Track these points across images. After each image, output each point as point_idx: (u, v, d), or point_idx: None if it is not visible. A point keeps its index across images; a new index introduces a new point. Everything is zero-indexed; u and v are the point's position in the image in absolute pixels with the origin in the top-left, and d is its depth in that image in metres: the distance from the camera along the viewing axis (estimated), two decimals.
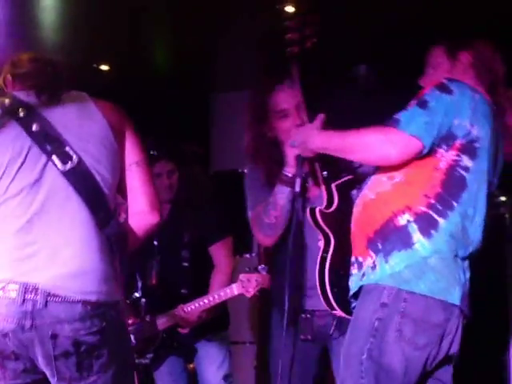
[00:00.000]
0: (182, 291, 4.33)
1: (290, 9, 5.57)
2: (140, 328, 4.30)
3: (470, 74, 2.94)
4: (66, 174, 2.70)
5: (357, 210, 2.91)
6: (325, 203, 3.03)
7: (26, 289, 2.63)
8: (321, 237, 2.99)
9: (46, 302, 2.62)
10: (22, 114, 2.72)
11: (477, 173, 2.80)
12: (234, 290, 4.18)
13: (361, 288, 2.82)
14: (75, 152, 2.72)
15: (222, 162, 7.17)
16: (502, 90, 2.95)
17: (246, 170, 3.57)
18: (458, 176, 2.78)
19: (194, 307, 4.19)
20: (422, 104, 2.77)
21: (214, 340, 4.50)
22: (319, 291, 2.93)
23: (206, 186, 4.81)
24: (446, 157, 2.77)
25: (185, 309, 4.19)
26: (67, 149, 2.72)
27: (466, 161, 2.78)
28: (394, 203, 2.80)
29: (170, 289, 4.37)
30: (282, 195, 3.23)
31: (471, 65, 2.96)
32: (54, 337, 2.63)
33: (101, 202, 2.76)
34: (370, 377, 2.70)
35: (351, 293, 2.86)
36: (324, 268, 2.93)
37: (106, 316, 2.70)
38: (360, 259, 2.84)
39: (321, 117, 3.08)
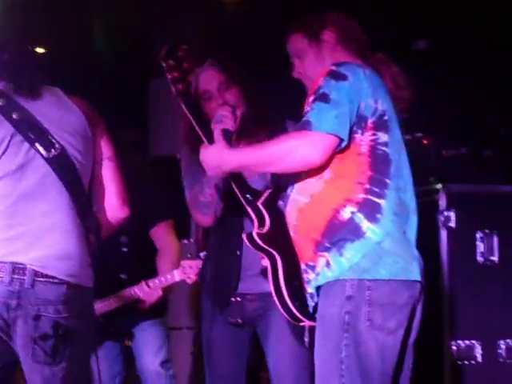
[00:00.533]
0: (122, 276, 4.31)
1: None
2: None
3: (338, 50, 2.94)
4: (50, 161, 2.77)
5: (293, 217, 2.86)
6: (256, 224, 2.97)
7: (13, 268, 2.68)
8: (266, 259, 2.92)
9: (33, 281, 2.68)
10: (1, 103, 2.77)
11: (394, 143, 2.80)
12: (176, 276, 4.16)
13: (319, 288, 2.80)
14: (57, 141, 2.79)
15: (160, 148, 7.13)
16: (370, 55, 2.96)
17: (181, 153, 3.58)
18: (381, 154, 2.78)
19: (157, 282, 4.16)
20: (324, 98, 2.73)
21: (152, 326, 4.49)
22: (282, 310, 2.88)
23: (144, 171, 4.77)
24: (364, 140, 2.77)
25: (150, 283, 4.15)
26: (50, 137, 2.78)
27: (383, 136, 2.78)
28: (332, 200, 2.77)
29: (109, 274, 4.35)
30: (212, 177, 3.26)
31: (337, 41, 2.94)
32: (37, 318, 2.68)
33: (81, 192, 2.85)
34: (352, 372, 2.69)
35: (311, 297, 2.84)
36: (280, 286, 2.85)
37: (83, 301, 2.81)
38: (311, 264, 2.80)
39: (218, 131, 3.02)
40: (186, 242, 6.83)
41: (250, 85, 3.49)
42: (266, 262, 2.92)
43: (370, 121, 2.77)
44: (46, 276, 2.71)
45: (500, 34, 5.54)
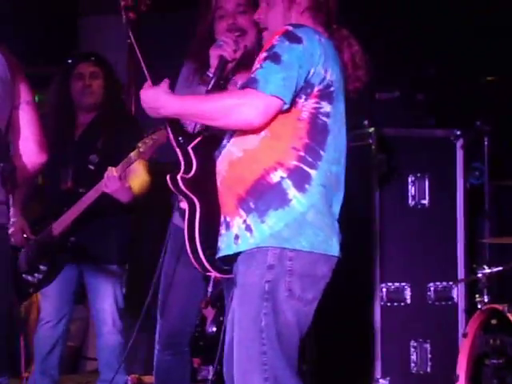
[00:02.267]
0: (80, 190, 4.22)
1: None
2: (34, 244, 4.23)
3: (306, 15, 2.88)
4: None
5: (223, 168, 2.82)
6: (182, 168, 2.92)
7: None
8: (185, 203, 2.89)
9: None
10: None
11: (336, 116, 2.79)
12: (132, 156, 3.93)
13: (238, 253, 2.77)
14: None
15: None
16: (336, 29, 2.92)
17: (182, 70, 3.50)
18: (320, 123, 2.75)
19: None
20: (275, 58, 2.69)
21: (108, 271, 4.41)
22: (191, 256, 2.87)
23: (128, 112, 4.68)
24: (306, 106, 2.73)
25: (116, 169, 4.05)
26: None
27: (326, 106, 2.74)
28: (264, 160, 2.73)
29: (69, 188, 4.30)
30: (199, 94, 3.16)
31: (307, 7, 2.88)
32: None
33: None
34: (272, 340, 2.71)
35: (221, 254, 2.82)
36: (193, 233, 2.83)
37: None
38: (228, 218, 2.78)
39: (166, 81, 2.91)
40: None
41: None
42: (184, 205, 2.92)
43: (316, 89, 2.73)
44: None
45: None
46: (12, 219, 3.69)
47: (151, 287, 3.22)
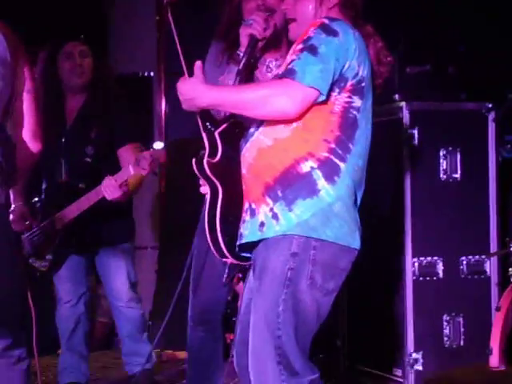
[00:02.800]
0: (80, 185, 4.25)
1: None
2: (37, 231, 4.26)
3: (335, 10, 2.91)
4: None
5: (250, 155, 2.84)
6: (207, 152, 2.90)
7: None
8: (207, 187, 2.88)
9: None
10: None
11: (364, 111, 2.81)
12: (130, 169, 4.05)
13: (262, 240, 2.79)
14: None
15: (122, 66, 7.03)
16: (361, 25, 2.94)
17: (210, 45, 3.50)
18: (351, 117, 2.78)
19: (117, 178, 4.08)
20: (312, 50, 2.71)
21: (119, 250, 4.47)
22: (209, 239, 2.86)
23: (121, 92, 4.66)
24: (339, 100, 2.76)
25: (116, 179, 4.07)
26: None
27: (357, 101, 2.79)
28: (295, 150, 2.76)
29: (68, 182, 4.32)
30: (231, 74, 3.17)
31: (337, 3, 2.91)
32: None
33: None
34: (288, 326, 2.74)
35: (244, 241, 2.83)
36: (214, 218, 2.83)
37: None
38: (253, 206, 2.80)
39: (198, 65, 2.88)
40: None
41: None
42: (205, 190, 2.92)
43: (349, 83, 2.77)
44: None
45: None
46: (13, 205, 3.73)
47: (185, 267, 3.24)
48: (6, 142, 2.87)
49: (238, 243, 2.86)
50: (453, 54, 5.17)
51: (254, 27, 3.11)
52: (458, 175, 4.56)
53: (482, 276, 4.60)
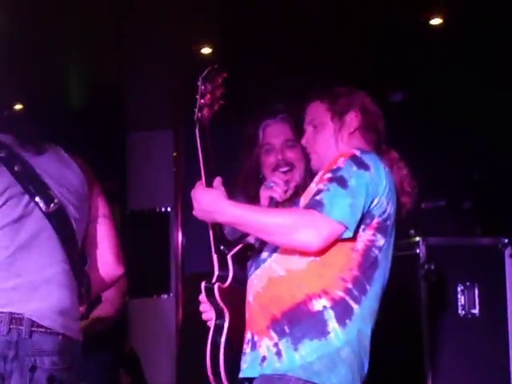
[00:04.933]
0: None
1: (206, 50, 5.59)
2: None
3: (356, 136, 2.82)
4: (49, 216, 2.81)
5: (259, 284, 2.68)
6: (216, 276, 2.80)
7: (11, 318, 2.70)
8: (212, 312, 2.78)
9: (31, 332, 2.71)
10: (2, 154, 2.82)
11: (386, 250, 2.68)
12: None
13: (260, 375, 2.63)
14: (56, 196, 2.84)
15: (139, 201, 7.12)
16: (385, 150, 2.85)
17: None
18: (372, 257, 2.63)
19: None
20: (342, 182, 2.58)
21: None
22: (209, 367, 2.74)
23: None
24: (362, 237, 2.61)
25: None
26: (49, 192, 2.83)
27: (380, 240, 2.64)
28: (309, 285, 2.59)
29: None
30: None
31: (358, 126, 2.81)
32: (33, 369, 2.70)
33: (75, 248, 2.89)
34: None
35: (242, 375, 2.68)
36: (218, 347, 2.72)
37: (74, 353, 2.83)
38: (256, 338, 2.65)
39: (219, 180, 2.78)
40: (165, 296, 6.80)
41: None
42: (207, 317, 2.79)
43: (375, 220, 2.63)
44: (43, 326, 2.73)
45: (470, 84, 5.59)
46: None
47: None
48: (87, 274, 2.94)
49: (239, 377, 2.70)
50: (467, 188, 5.21)
51: (274, 190, 3.04)
52: (476, 311, 4.52)
53: None
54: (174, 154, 7.13)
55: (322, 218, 2.55)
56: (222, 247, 2.84)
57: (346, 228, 2.57)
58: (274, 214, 2.67)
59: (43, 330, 2.74)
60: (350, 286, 2.60)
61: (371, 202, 2.62)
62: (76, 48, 5.47)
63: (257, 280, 2.71)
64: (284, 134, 3.27)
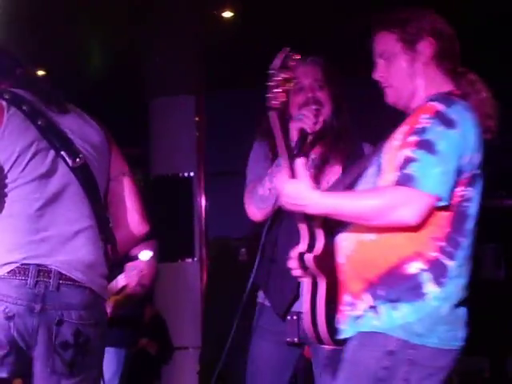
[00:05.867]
0: None
1: (227, 14, 5.58)
2: None
3: (432, 66, 2.64)
4: (75, 170, 2.78)
5: (348, 246, 2.61)
6: (307, 243, 2.76)
7: (38, 271, 2.66)
8: (308, 278, 2.73)
9: (59, 284, 2.67)
10: (25, 108, 2.78)
11: (476, 198, 2.52)
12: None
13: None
14: (81, 151, 2.80)
15: (162, 167, 7.14)
16: (462, 73, 2.66)
17: (255, 145, 3.43)
18: (463, 210, 2.51)
19: None
20: (430, 148, 2.43)
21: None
22: (312, 330, 2.72)
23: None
24: (452, 195, 2.47)
25: None
26: (74, 147, 2.80)
27: (470, 192, 2.51)
28: (402, 249, 2.49)
29: None
30: (280, 168, 2.98)
31: (433, 55, 2.63)
32: (60, 323, 2.65)
33: (100, 203, 2.85)
34: None
35: (342, 336, 2.62)
36: (316, 308, 2.71)
37: (101, 310, 2.79)
38: (352, 300, 2.58)
39: (300, 164, 2.67)
40: (189, 261, 6.83)
41: (343, 95, 3.39)
42: (306, 282, 2.75)
43: (465, 175, 2.49)
44: (71, 279, 2.69)
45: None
46: None
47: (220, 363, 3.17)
48: (112, 231, 2.90)
49: (338, 337, 2.65)
50: (491, 150, 5.18)
51: (304, 121, 3.10)
52: (501, 271, 4.53)
53: None
54: (197, 119, 7.14)
55: (416, 193, 2.44)
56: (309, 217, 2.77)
57: (440, 198, 2.45)
58: (366, 198, 2.55)
59: (71, 282, 2.69)
60: (443, 244, 2.50)
61: (462, 162, 2.48)
62: (99, 17, 5.45)
63: (345, 242, 2.65)
64: (314, 75, 3.30)
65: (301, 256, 2.72)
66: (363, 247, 2.59)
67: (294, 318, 3.21)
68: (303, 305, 2.76)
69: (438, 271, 2.49)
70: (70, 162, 2.78)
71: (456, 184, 2.47)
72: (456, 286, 2.52)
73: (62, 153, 2.78)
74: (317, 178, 3.15)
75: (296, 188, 2.62)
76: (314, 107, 3.21)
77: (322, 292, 2.73)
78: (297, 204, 2.62)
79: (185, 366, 6.04)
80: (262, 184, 3.25)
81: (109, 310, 3.91)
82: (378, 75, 2.71)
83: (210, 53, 6.42)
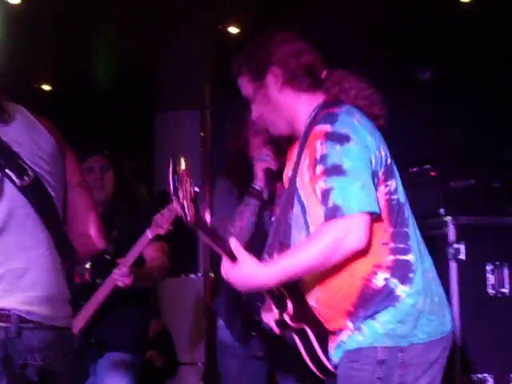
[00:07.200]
0: (97, 281, 4.16)
1: (233, 30, 5.58)
2: None
3: (288, 90, 2.64)
4: (24, 190, 2.53)
5: (312, 288, 2.61)
6: (278, 308, 2.74)
7: None
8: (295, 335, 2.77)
9: (19, 328, 2.50)
10: None
11: (399, 184, 2.60)
12: (148, 233, 3.94)
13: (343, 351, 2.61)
14: (30, 167, 2.55)
15: (166, 182, 7.13)
16: (326, 78, 2.66)
17: (219, 183, 3.65)
18: (394, 204, 2.56)
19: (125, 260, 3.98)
20: (338, 171, 2.44)
21: (120, 359, 4.24)
22: (315, 369, 2.73)
23: (146, 202, 4.66)
24: (379, 197, 2.52)
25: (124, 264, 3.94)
26: (21, 162, 2.53)
27: (392, 183, 2.57)
28: (360, 269, 2.52)
29: (87, 279, 4.23)
30: (249, 207, 3.36)
31: (283, 81, 2.62)
32: (24, 367, 2.52)
33: (57, 221, 2.64)
34: None
35: (334, 362, 2.65)
36: (314, 351, 2.71)
37: (67, 342, 2.65)
38: (335, 331, 2.62)
39: (234, 243, 2.58)
40: (193, 276, 6.82)
41: None
42: (295, 337, 2.75)
43: (380, 174, 2.54)
44: (32, 322, 2.52)
45: (500, 62, 5.55)
46: None
47: None
48: (72, 246, 2.71)
49: (332, 365, 2.68)
50: (498, 167, 5.17)
51: (268, 161, 3.32)
52: (506, 290, 4.50)
53: None
54: (202, 134, 7.14)
55: (349, 219, 2.44)
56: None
57: (373, 211, 2.48)
58: (309, 247, 2.51)
59: (32, 325, 2.52)
60: (392, 245, 2.55)
61: (372, 165, 2.51)
62: (106, 28, 5.46)
63: (308, 286, 2.63)
64: None
65: (279, 323, 2.72)
66: (324, 284, 2.58)
67: (254, 334, 3.31)
68: (304, 357, 2.75)
69: (402, 271, 2.53)
70: (17, 181, 2.52)
71: (377, 187, 2.51)
72: (423, 275, 2.55)
73: (7, 171, 2.51)
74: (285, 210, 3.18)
75: (242, 274, 2.55)
76: (274, 147, 3.36)
77: (312, 337, 2.72)
78: (250, 288, 2.59)
79: (189, 382, 6.01)
80: (231, 223, 3.42)
81: (128, 280, 3.90)
82: (254, 119, 2.73)
83: (215, 69, 6.44)
